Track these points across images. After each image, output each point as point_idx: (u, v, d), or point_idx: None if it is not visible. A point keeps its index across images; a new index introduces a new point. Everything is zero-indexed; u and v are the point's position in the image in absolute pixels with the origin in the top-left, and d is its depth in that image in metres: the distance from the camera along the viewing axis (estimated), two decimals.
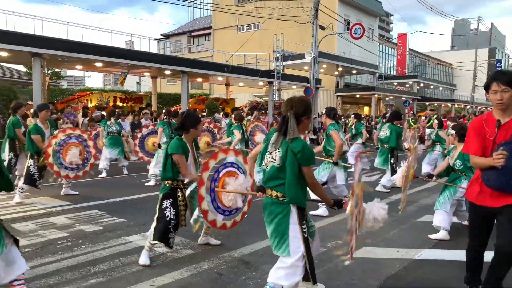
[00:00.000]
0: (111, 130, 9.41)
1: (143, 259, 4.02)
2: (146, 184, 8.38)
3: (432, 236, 5.11)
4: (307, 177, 2.89)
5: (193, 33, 48.17)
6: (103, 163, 9.40)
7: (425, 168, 9.49)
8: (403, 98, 35.47)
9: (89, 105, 18.42)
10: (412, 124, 15.82)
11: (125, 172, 9.82)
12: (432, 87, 46.08)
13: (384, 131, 8.25)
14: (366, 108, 36.43)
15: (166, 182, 4.10)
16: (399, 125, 8.38)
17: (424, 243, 4.92)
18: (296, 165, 2.83)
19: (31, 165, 6.57)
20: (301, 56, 23.25)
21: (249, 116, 16.96)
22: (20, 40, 13.00)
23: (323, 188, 3.17)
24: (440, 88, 50.12)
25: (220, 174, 3.93)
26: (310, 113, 3.04)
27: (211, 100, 22.44)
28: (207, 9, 43.64)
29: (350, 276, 3.81)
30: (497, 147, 2.81)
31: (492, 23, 70.32)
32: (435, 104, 42.53)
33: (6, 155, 7.76)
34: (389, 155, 8.01)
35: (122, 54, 16.52)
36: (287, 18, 24.87)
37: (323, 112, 6.74)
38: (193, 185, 4.01)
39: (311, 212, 5.75)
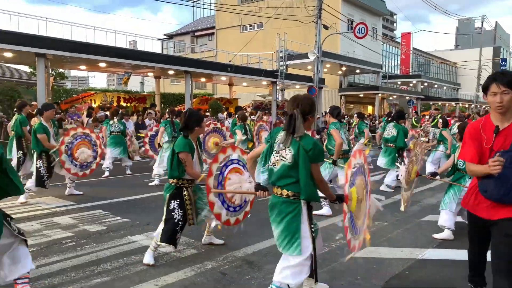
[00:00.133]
0: (113, 129, 9.45)
1: (148, 258, 4.03)
2: (150, 184, 8.40)
3: (436, 236, 5.10)
4: (315, 174, 2.90)
5: (196, 33, 48.24)
6: (106, 163, 9.44)
7: (429, 168, 9.46)
8: (407, 98, 35.35)
9: (93, 105, 18.50)
10: (415, 124, 15.77)
11: (128, 172, 9.85)
12: (436, 86, 45.91)
13: (390, 131, 8.19)
14: (369, 108, 36.35)
15: (172, 181, 4.11)
16: (403, 124, 8.35)
17: (428, 243, 4.91)
18: (309, 162, 2.84)
19: (40, 167, 6.56)
20: (305, 56, 23.22)
21: (253, 116, 16.96)
22: (24, 41, 13.07)
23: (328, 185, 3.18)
24: (444, 87, 49.93)
25: (226, 171, 3.93)
26: (315, 111, 3.06)
27: (215, 100, 22.45)
28: (210, 9, 43.73)
29: (353, 276, 3.81)
30: (494, 155, 2.58)
31: (496, 22, 69.90)
32: (439, 104, 42.40)
33: (15, 154, 7.80)
34: (396, 155, 7.97)
35: (125, 54, 16.56)
36: (290, 17, 24.86)
37: (327, 111, 6.73)
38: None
39: (314, 212, 5.73)
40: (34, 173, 6.60)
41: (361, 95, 33.53)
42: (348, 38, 29.11)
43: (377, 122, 23.57)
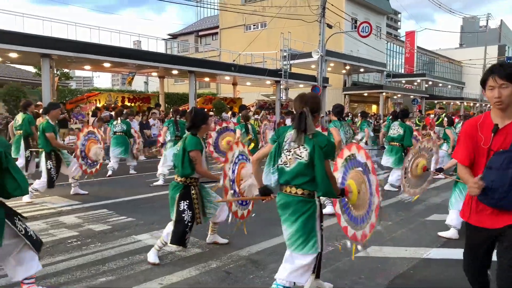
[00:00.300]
0: (116, 129, 9.50)
1: (153, 257, 4.05)
2: (154, 183, 8.43)
3: (442, 234, 5.09)
4: (327, 170, 2.93)
5: (200, 33, 48.33)
6: (111, 162, 9.51)
7: (432, 167, 9.42)
8: (411, 96, 35.25)
9: (98, 105, 18.59)
10: (418, 123, 15.71)
11: (132, 171, 9.89)
12: (440, 85, 45.78)
13: (396, 130, 8.15)
14: (374, 107, 36.29)
15: (180, 179, 4.13)
16: (408, 123, 8.34)
17: (433, 242, 4.90)
18: (324, 159, 2.87)
19: (51, 168, 6.57)
20: (308, 55, 23.20)
21: (256, 115, 16.99)
22: (30, 41, 13.15)
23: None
24: (449, 86, 49.74)
25: (236, 168, 4.04)
26: (321, 109, 3.10)
27: (219, 100, 22.50)
28: (214, 9, 43.74)
29: (357, 275, 3.81)
30: (494, 155, 2.36)
31: (501, 20, 69.58)
32: (444, 102, 42.25)
33: (23, 154, 7.82)
34: (403, 154, 7.95)
35: (130, 54, 16.63)
36: (294, 16, 24.84)
37: (331, 110, 6.74)
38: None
39: None
40: (45, 174, 6.61)
41: (365, 94, 33.48)
42: (352, 37, 29.05)
43: (381, 121, 23.52)
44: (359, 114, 13.94)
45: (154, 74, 21.76)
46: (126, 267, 3.96)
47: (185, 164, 4.03)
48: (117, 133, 9.48)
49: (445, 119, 10.10)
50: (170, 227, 4.11)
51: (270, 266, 3.98)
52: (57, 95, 16.44)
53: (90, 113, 16.29)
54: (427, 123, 15.37)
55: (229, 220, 4.21)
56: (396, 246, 4.70)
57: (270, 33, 30.93)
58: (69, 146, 7.53)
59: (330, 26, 21.77)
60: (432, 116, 18.80)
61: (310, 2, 22.70)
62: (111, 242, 4.68)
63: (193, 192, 4.11)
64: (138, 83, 35.60)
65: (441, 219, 5.50)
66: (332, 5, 22.53)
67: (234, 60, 22.17)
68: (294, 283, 2.95)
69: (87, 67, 18.55)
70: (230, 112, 18.26)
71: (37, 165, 7.71)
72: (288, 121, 16.73)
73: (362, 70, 31.78)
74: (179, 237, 4.00)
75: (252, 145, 7.63)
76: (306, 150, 2.88)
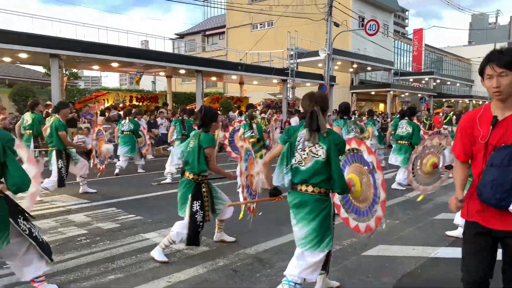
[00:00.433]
0: (124, 128, 9.58)
1: (158, 255, 4.08)
2: (162, 182, 8.48)
3: (449, 233, 5.07)
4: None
5: (207, 32, 48.39)
6: (119, 161, 9.60)
7: (441, 164, 9.37)
8: (419, 95, 35.03)
9: (106, 104, 18.71)
10: (425, 121, 15.61)
11: (140, 170, 9.96)
12: (449, 83, 45.40)
13: (405, 128, 8.10)
14: (381, 105, 36.11)
15: (192, 177, 4.17)
16: (415, 121, 8.30)
17: (441, 241, 4.88)
18: (338, 156, 2.96)
19: (62, 167, 6.63)
20: (315, 54, 23.15)
21: (263, 114, 16.99)
22: (39, 42, 13.27)
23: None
24: (458, 84, 49.32)
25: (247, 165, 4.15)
26: (328, 108, 3.14)
27: (226, 99, 22.52)
28: (221, 8, 43.81)
29: (365, 274, 3.81)
30: (495, 151, 2.16)
31: (511, 17, 68.86)
32: (452, 101, 41.91)
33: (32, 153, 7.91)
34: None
35: (137, 54, 16.71)
36: (301, 15, 24.82)
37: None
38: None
39: None
40: (55, 173, 6.67)
41: (373, 93, 33.30)
42: (359, 35, 28.95)
43: (389, 119, 23.41)
44: (366, 113, 13.90)
45: (162, 73, 21.85)
46: (135, 265, 3.99)
47: (201, 160, 4.11)
48: (124, 132, 9.55)
49: (454, 117, 10.03)
50: (179, 226, 4.14)
51: (277, 264, 4.00)
52: (66, 94, 16.57)
53: (99, 113, 16.42)
54: (436, 122, 15.27)
55: (240, 216, 4.25)
56: (404, 245, 4.69)
57: (277, 32, 30.91)
58: (79, 145, 7.62)
59: (337, 25, 21.71)
60: (440, 114, 18.69)
61: (317, 0, 22.66)
62: (119, 240, 4.72)
63: (204, 190, 4.17)
64: (145, 83, 35.81)
65: (449, 218, 5.47)
66: (339, 3, 22.46)
67: (240, 59, 22.20)
68: (304, 279, 2.97)
69: (95, 67, 18.67)
70: (237, 111, 18.27)
71: (45, 164, 7.78)
72: (293, 121, 16.69)
73: (369, 68, 31.62)
74: (193, 238, 4.10)
75: (259, 146, 7.66)
76: (323, 148, 2.90)
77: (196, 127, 4.63)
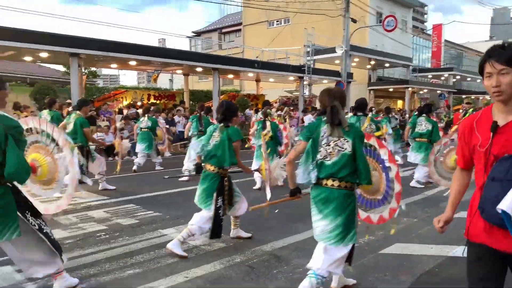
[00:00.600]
0: (142, 125, 9.72)
1: (178, 249, 4.12)
2: (180, 179, 8.57)
3: None
4: None
5: (223, 30, 48.50)
6: (137, 158, 9.74)
7: None
8: (438, 91, 34.43)
9: (124, 102, 18.96)
10: (443, 118, 15.34)
11: (158, 168, 10.08)
12: (469, 79, 44.43)
13: (424, 125, 7.98)
14: (399, 102, 35.63)
15: (218, 170, 4.24)
16: (433, 118, 8.20)
17: (459, 240, 4.80)
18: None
19: (83, 164, 6.69)
20: (332, 50, 22.96)
21: (279, 112, 16.96)
22: (59, 41, 13.53)
23: None
24: (478, 81, 48.15)
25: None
26: (345, 103, 3.18)
27: (242, 97, 22.55)
28: (237, 5, 43.78)
29: (382, 272, 3.79)
30: (497, 163, 1.86)
31: None
32: (473, 97, 41.05)
33: None
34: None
35: (155, 52, 16.87)
36: (317, 11, 24.62)
37: None
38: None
39: None
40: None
41: (391, 90, 32.88)
42: (377, 31, 28.59)
43: (407, 116, 23.11)
44: (383, 110, 13.74)
45: (179, 71, 22.00)
46: (153, 260, 4.06)
47: (231, 153, 4.21)
48: (142, 129, 9.69)
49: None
50: (199, 220, 4.20)
51: (293, 261, 4.01)
52: (85, 93, 16.86)
53: (117, 111, 16.66)
54: (456, 118, 14.95)
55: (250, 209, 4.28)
56: (422, 244, 4.64)
57: (293, 28, 30.77)
58: (100, 141, 7.75)
59: (354, 21, 21.48)
60: (460, 111, 18.32)
61: None
62: (138, 236, 4.80)
63: (226, 184, 4.26)
64: (163, 81, 36.13)
65: None
66: None
67: (257, 57, 22.17)
68: (330, 272, 3.02)
69: (114, 65, 18.92)
70: (254, 109, 18.30)
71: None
72: (306, 118, 16.58)
73: (387, 65, 31.20)
74: (217, 232, 4.23)
75: (267, 138, 7.70)
76: (348, 141, 2.95)
77: (214, 122, 4.70)
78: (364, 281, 3.59)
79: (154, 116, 10.30)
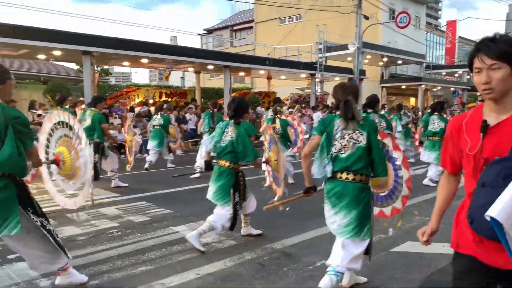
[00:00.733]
0: (155, 123, 9.81)
1: (197, 243, 4.14)
2: (191, 176, 8.60)
3: None
4: None
5: (235, 27, 48.48)
6: (149, 155, 9.82)
7: None
8: (452, 89, 33.99)
9: (137, 100, 19.09)
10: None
11: (170, 165, 10.14)
12: None
13: (437, 124, 7.89)
14: (412, 99, 35.27)
15: (233, 166, 4.27)
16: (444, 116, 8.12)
17: None
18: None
19: (97, 161, 6.74)
20: (345, 47, 22.81)
21: (291, 109, 16.92)
22: (72, 39, 13.68)
23: None
24: None
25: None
26: (359, 98, 3.22)
27: (253, 94, 22.54)
28: (249, 2, 43.80)
29: (393, 270, 3.77)
30: (487, 167, 1.66)
31: None
32: None
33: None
34: None
35: (166, 50, 16.98)
36: (329, 8, 24.47)
37: None
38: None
39: None
40: (91, 167, 6.85)
41: (403, 87, 32.53)
42: (389, 28, 28.30)
43: (420, 113, 22.87)
44: (395, 107, 13.62)
45: (190, 69, 22.08)
46: (164, 257, 4.09)
47: (252, 148, 4.26)
48: (155, 127, 9.77)
49: None
50: (222, 218, 4.25)
51: (304, 259, 4.00)
52: (97, 91, 17.02)
53: (128, 109, 16.80)
54: None
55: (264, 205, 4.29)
56: (434, 242, 4.53)
57: (305, 25, 30.59)
58: (114, 138, 7.87)
59: (366, 17, 21.29)
60: None
61: None
62: (150, 233, 4.84)
63: (241, 179, 4.31)
64: (174, 78, 36.26)
65: None
66: None
67: (268, 54, 22.14)
68: (349, 268, 3.04)
69: (126, 63, 19.07)
70: (265, 107, 18.28)
71: None
72: (315, 116, 16.49)
73: (400, 62, 30.88)
74: (233, 225, 4.31)
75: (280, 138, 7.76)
76: (363, 134, 2.95)
77: (226, 118, 4.72)
78: (375, 279, 3.57)
79: (166, 114, 10.37)
